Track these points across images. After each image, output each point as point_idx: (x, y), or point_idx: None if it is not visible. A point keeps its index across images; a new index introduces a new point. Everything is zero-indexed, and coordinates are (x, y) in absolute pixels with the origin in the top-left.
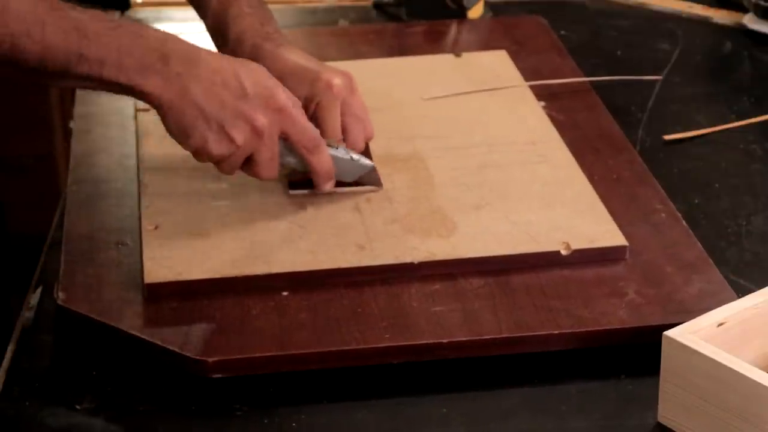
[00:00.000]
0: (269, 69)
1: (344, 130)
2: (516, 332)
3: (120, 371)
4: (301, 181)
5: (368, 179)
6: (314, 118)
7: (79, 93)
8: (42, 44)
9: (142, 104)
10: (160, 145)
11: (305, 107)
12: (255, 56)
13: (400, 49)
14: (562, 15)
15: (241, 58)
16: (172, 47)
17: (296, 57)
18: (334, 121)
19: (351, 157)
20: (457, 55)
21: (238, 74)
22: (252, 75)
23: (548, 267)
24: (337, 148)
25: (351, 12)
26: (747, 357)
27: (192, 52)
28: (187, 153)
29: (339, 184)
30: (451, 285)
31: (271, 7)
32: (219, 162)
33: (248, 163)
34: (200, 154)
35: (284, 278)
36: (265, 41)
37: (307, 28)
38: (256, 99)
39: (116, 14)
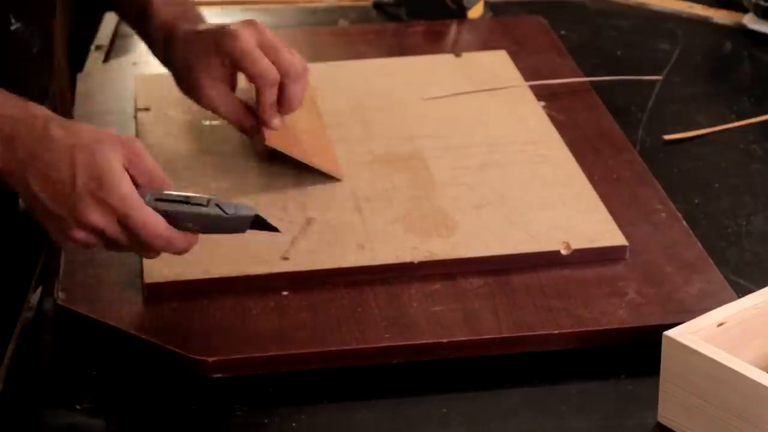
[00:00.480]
0: (182, 46)
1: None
2: (516, 332)
3: (120, 371)
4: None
5: (260, 226)
6: (239, 70)
7: (79, 93)
8: None
9: (142, 104)
10: (160, 145)
11: (224, 66)
12: (170, 38)
13: (400, 49)
14: (562, 15)
15: (100, 138)
16: (21, 129)
17: (202, 26)
18: (258, 64)
19: (225, 213)
20: (457, 55)
21: (73, 169)
22: (89, 168)
23: (548, 267)
24: (207, 205)
25: (351, 12)
26: (747, 357)
27: (40, 135)
28: (188, 153)
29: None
30: (451, 285)
31: (272, 7)
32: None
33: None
34: (62, 243)
35: (284, 278)
36: (180, 21)
37: (307, 28)
38: (87, 196)
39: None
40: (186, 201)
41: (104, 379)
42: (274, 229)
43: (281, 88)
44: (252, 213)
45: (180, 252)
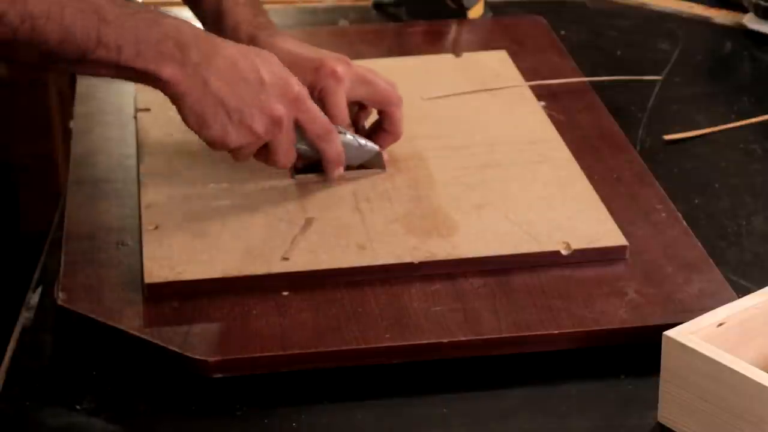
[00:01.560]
0: None
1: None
2: (516, 332)
3: (120, 371)
4: (304, 167)
5: (374, 163)
6: (319, 105)
7: (79, 93)
8: (61, 26)
9: (142, 104)
10: (160, 145)
11: (310, 94)
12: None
13: (400, 49)
14: (562, 15)
15: (253, 47)
16: (188, 35)
17: (292, 46)
18: (340, 108)
19: (359, 143)
20: (457, 55)
21: (256, 64)
22: (268, 65)
23: (549, 267)
24: (345, 134)
25: (351, 12)
26: (747, 357)
27: (208, 41)
28: (187, 153)
29: (345, 168)
30: (452, 285)
31: (271, 7)
32: (235, 150)
33: (264, 152)
34: (218, 143)
35: (285, 278)
36: (260, 31)
37: (307, 28)
38: (273, 89)
39: None
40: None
41: (104, 379)
42: (383, 168)
43: (385, 117)
44: (376, 149)
45: (335, 152)
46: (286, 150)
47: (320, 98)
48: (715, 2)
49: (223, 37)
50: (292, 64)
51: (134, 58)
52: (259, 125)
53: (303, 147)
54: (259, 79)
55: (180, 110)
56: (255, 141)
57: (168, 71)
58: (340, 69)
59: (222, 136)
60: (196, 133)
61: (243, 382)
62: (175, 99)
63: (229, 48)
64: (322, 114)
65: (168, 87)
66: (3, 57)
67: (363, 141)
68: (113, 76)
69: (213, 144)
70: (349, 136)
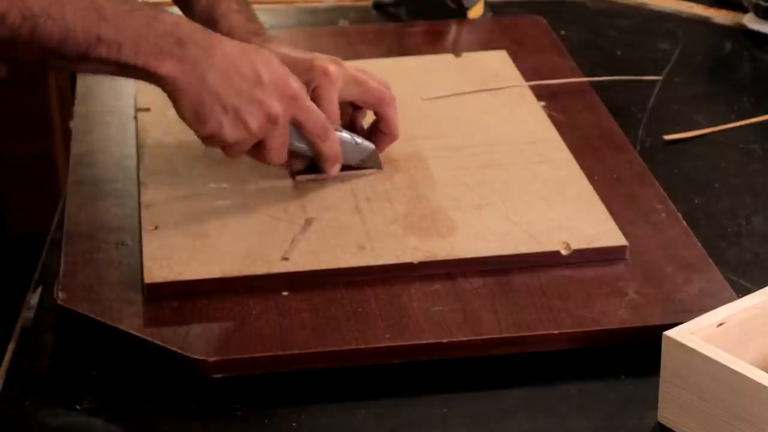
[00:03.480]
0: None
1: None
2: (516, 332)
3: (120, 371)
4: (304, 169)
5: (370, 162)
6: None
7: (79, 93)
8: (62, 25)
9: (142, 104)
10: (160, 145)
11: None
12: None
13: (400, 49)
14: (562, 15)
15: (252, 45)
16: (187, 32)
17: (286, 50)
18: (333, 106)
19: (355, 141)
20: (457, 55)
21: (254, 62)
22: (266, 63)
23: (548, 267)
24: (341, 132)
25: (351, 12)
26: (747, 357)
27: (207, 38)
28: (187, 153)
29: (342, 168)
30: (451, 285)
31: (272, 7)
32: (229, 147)
33: (258, 149)
34: (212, 139)
35: (284, 278)
36: (253, 37)
37: (307, 29)
38: (270, 86)
39: None
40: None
41: (104, 379)
42: (380, 167)
43: (380, 118)
44: (372, 147)
45: (332, 150)
46: (279, 147)
47: (313, 97)
48: (715, 2)
49: None
50: (285, 65)
51: (134, 55)
52: (255, 122)
53: (299, 145)
54: (257, 75)
55: (176, 105)
56: (249, 137)
57: (167, 67)
58: (332, 69)
59: (217, 131)
60: (191, 128)
61: (243, 382)
62: (173, 94)
63: (227, 44)
64: (319, 112)
65: (167, 83)
66: (4, 56)
67: (359, 139)
68: (113, 74)
69: (208, 139)
70: (345, 134)
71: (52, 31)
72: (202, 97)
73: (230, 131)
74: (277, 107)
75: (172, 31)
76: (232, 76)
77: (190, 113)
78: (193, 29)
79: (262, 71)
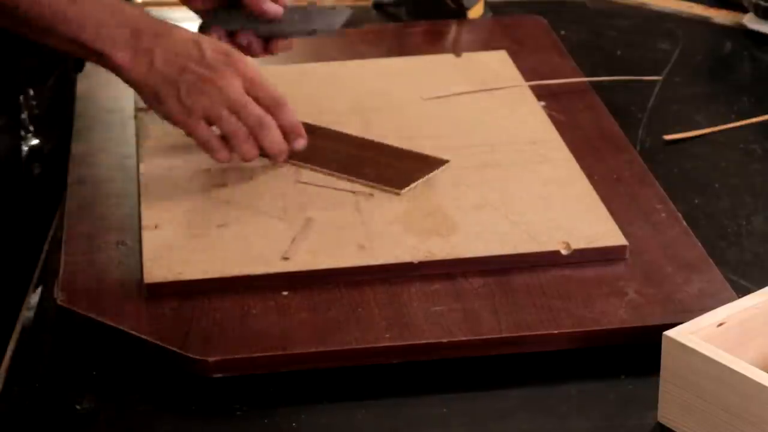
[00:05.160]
0: None
1: None
2: (516, 332)
3: (120, 371)
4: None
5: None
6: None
7: (79, 93)
8: None
9: (142, 104)
10: (160, 144)
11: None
12: None
13: (400, 49)
14: (562, 15)
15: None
16: (145, 24)
17: None
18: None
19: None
20: (458, 55)
21: (199, 43)
22: (212, 43)
23: (548, 267)
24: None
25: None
26: (747, 357)
27: (162, 28)
28: (187, 153)
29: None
30: (451, 285)
31: None
32: (205, 142)
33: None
34: (175, 118)
35: (284, 278)
36: None
37: None
38: (215, 62)
39: None
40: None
41: (104, 379)
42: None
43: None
44: (348, 10)
45: (291, 125)
46: (245, 136)
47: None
48: (715, 2)
49: None
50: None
51: (93, 39)
52: (210, 94)
53: (247, 25)
54: (200, 53)
55: (136, 91)
56: (211, 110)
57: (119, 56)
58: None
59: (178, 110)
60: (156, 112)
61: (243, 382)
62: (128, 81)
63: (180, 31)
64: (271, 85)
65: (120, 71)
66: None
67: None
68: (74, 53)
69: (172, 119)
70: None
71: (20, 1)
72: (152, 80)
73: (191, 105)
74: (224, 80)
75: (132, 24)
76: (178, 57)
77: (147, 96)
78: (152, 21)
79: (206, 50)
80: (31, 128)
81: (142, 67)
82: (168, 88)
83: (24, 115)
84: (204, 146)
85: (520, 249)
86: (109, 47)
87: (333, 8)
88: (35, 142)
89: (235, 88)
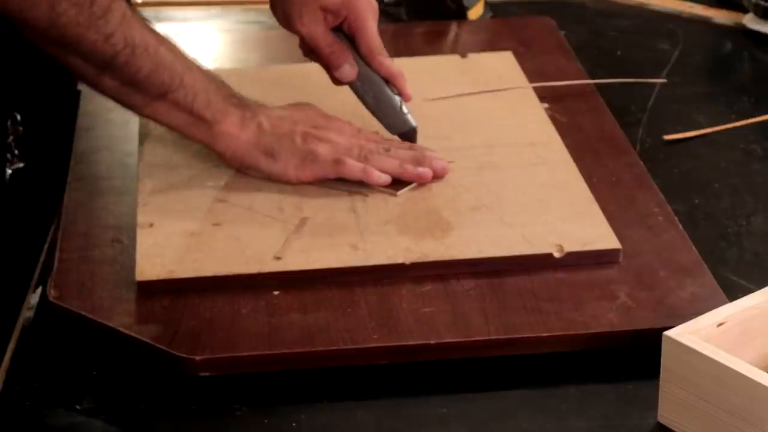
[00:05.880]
0: None
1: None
2: (504, 334)
3: (120, 371)
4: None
5: (407, 138)
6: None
7: (83, 91)
8: (155, 60)
9: None
10: (160, 143)
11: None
12: None
13: (401, 49)
14: (562, 15)
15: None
16: (243, 96)
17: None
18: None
19: (403, 111)
20: (463, 56)
21: (298, 109)
22: (316, 111)
23: (541, 269)
24: (394, 95)
25: None
26: (747, 357)
27: (260, 103)
28: (187, 152)
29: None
30: (443, 286)
31: None
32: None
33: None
34: (286, 177)
35: (276, 278)
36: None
37: None
38: (322, 120)
39: None
40: None
41: (104, 379)
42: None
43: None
44: (414, 125)
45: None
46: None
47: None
48: (715, 2)
49: None
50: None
51: (205, 106)
52: (329, 138)
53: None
54: (305, 114)
55: (237, 159)
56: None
57: (228, 122)
58: None
59: (296, 162)
60: (268, 175)
61: (243, 382)
62: (228, 149)
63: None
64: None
65: (224, 138)
66: (90, 82)
67: (406, 110)
68: (179, 123)
69: (281, 177)
70: (398, 100)
71: (144, 63)
72: (267, 141)
73: (315, 149)
74: (335, 122)
75: (236, 95)
76: (283, 120)
77: (260, 159)
78: (246, 98)
79: (307, 111)
80: (16, 152)
81: (250, 132)
82: (283, 141)
83: (9, 140)
84: (364, 172)
85: (513, 251)
86: (220, 116)
87: (406, 114)
88: (20, 165)
89: (349, 129)
